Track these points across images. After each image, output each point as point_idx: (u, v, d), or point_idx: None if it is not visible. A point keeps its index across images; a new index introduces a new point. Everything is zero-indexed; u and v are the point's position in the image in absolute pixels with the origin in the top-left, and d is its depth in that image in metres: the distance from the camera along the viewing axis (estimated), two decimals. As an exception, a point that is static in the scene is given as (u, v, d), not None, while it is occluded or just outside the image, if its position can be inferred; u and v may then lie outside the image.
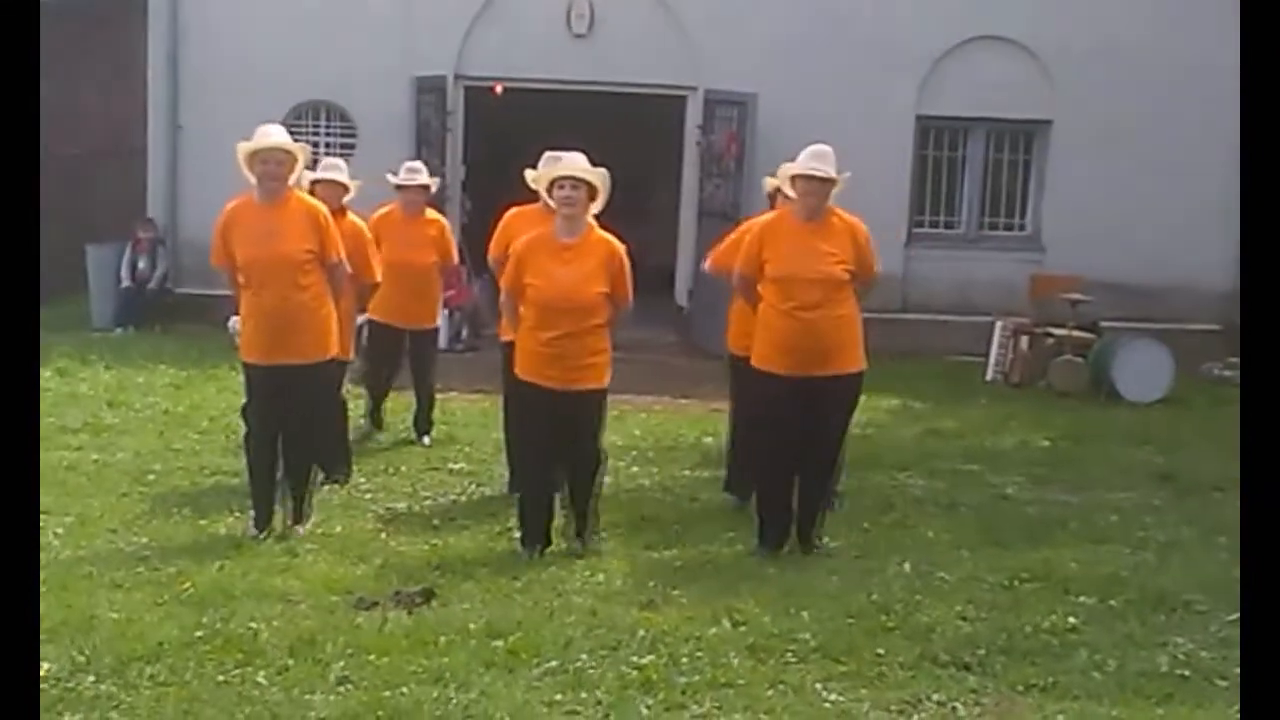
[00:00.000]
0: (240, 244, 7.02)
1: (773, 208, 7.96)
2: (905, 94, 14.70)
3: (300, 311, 7.03)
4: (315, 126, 14.66)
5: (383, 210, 9.38)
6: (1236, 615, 6.33)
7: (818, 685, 5.43)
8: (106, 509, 7.59)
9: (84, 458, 8.66)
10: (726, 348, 8.14)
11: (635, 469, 9.17)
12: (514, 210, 8.36)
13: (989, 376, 13.53)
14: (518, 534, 7.20)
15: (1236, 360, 14.32)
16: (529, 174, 7.24)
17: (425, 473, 8.87)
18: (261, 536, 7.15)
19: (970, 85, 14.71)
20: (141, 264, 14.34)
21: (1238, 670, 5.65)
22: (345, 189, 8.41)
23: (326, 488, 7.92)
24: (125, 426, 9.74)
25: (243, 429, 7.54)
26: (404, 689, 5.19)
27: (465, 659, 5.48)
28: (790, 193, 7.14)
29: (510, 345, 7.42)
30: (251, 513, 7.31)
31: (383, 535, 7.43)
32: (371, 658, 5.48)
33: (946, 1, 14.61)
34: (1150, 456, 10.21)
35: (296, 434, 7.23)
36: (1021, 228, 15.29)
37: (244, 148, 6.99)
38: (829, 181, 7.02)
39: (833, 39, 14.42)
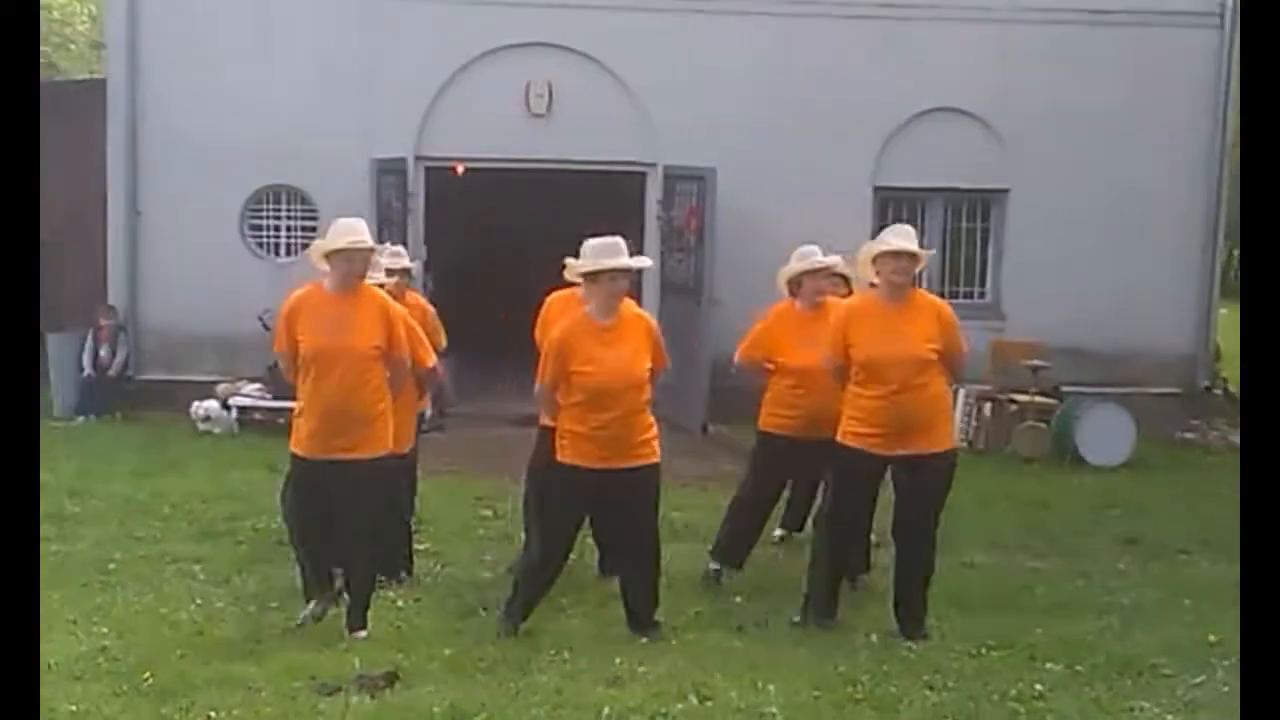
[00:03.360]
0: (307, 333, 6.84)
1: (792, 295, 8.05)
2: (863, 166, 14.85)
3: (360, 406, 6.85)
4: (276, 210, 14.73)
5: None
6: (1203, 678, 6.38)
7: (785, 760, 5.40)
8: (66, 600, 7.47)
9: (44, 549, 8.51)
10: (758, 425, 8.19)
11: (601, 545, 9.13)
12: (554, 295, 8.32)
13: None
14: (504, 616, 7.09)
15: (1198, 423, 14.49)
16: (575, 267, 7.16)
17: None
18: (316, 618, 7.02)
19: (927, 156, 14.89)
20: (103, 352, 14.28)
21: (1205, 733, 5.68)
22: (409, 273, 8.49)
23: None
24: (86, 516, 9.64)
25: (280, 516, 7.44)
26: (367, 775, 5.13)
27: (429, 743, 5.43)
28: (872, 277, 7.13)
29: (549, 430, 7.35)
30: (310, 605, 7.10)
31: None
32: (334, 744, 5.42)
33: (902, 74, 14.79)
34: (1115, 520, 10.25)
35: (357, 534, 6.98)
36: (982, 295, 15.41)
37: (325, 245, 6.88)
38: (915, 259, 7.00)
39: (789, 112, 14.58)
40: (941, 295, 15.06)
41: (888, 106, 14.81)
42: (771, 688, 6.09)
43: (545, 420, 7.58)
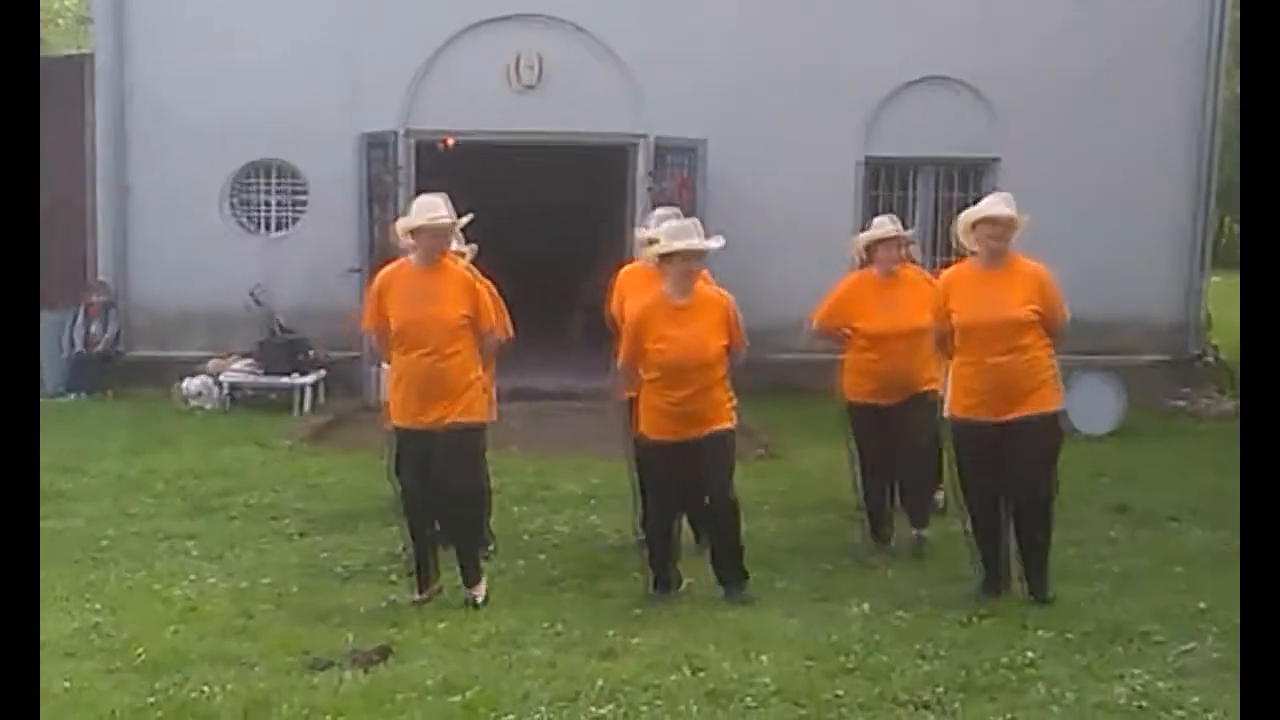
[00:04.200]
0: (396, 306, 7.07)
1: (862, 265, 8.43)
2: (853, 136, 14.82)
3: (450, 374, 7.04)
4: (265, 185, 14.68)
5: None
6: (1193, 645, 6.40)
7: (777, 729, 5.41)
8: (59, 577, 7.45)
9: (36, 525, 8.56)
10: (843, 395, 8.44)
11: (594, 518, 9.17)
12: (625, 269, 8.57)
13: (945, 412, 13.55)
14: (651, 582, 7.30)
15: (1188, 391, 14.52)
16: (651, 250, 7.36)
17: (382, 529, 8.79)
18: (426, 599, 7.15)
19: (917, 126, 14.85)
20: (93, 329, 14.25)
21: (1195, 699, 5.70)
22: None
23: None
24: (78, 493, 9.64)
25: (397, 489, 7.49)
26: (360, 749, 5.14)
27: (422, 716, 5.44)
28: (969, 244, 7.26)
29: (633, 401, 7.61)
30: (413, 578, 7.27)
31: (340, 594, 7.37)
32: (327, 718, 5.42)
33: (891, 43, 14.73)
34: (1105, 488, 10.26)
35: (459, 498, 7.21)
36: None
37: (409, 223, 7.08)
38: (1011, 225, 7.14)
39: (779, 83, 14.53)
40: (932, 265, 15.20)
41: (877, 76, 14.76)
42: (764, 658, 6.11)
43: (629, 393, 7.83)
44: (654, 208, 14.42)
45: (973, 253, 7.32)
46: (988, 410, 7.07)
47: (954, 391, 7.27)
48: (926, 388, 8.29)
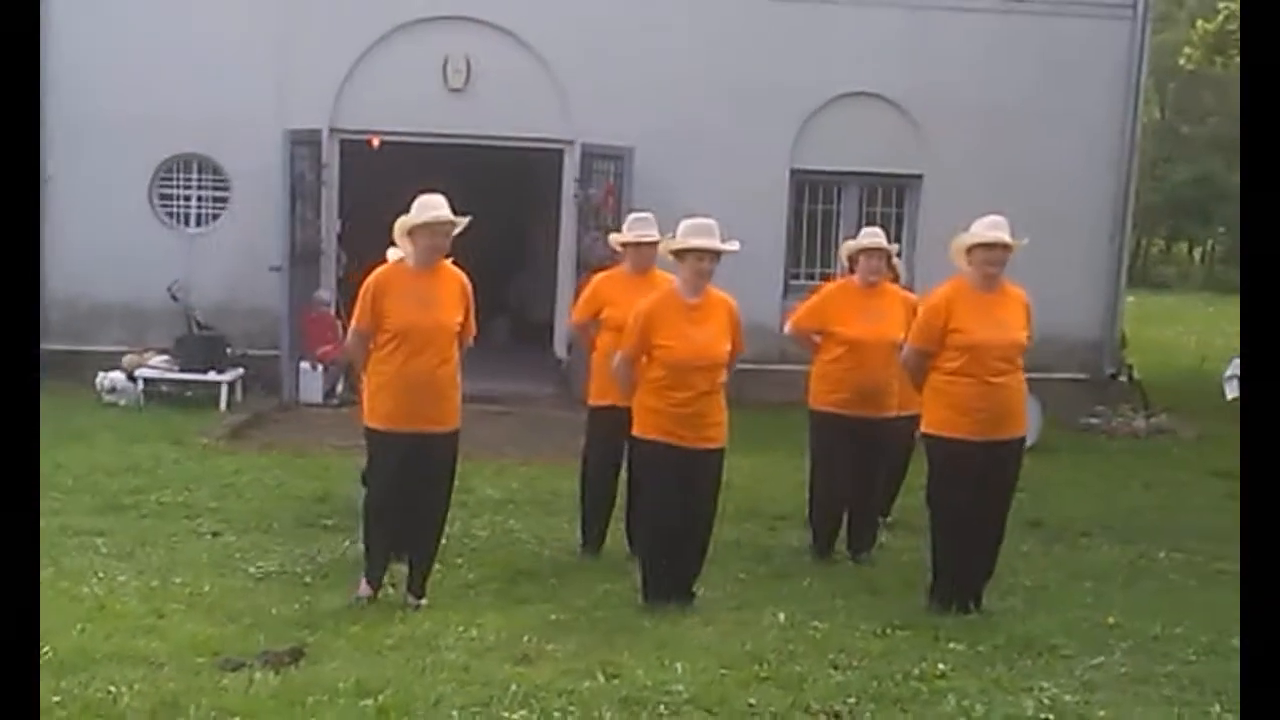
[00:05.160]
0: (396, 310, 6.93)
1: (851, 271, 8.55)
2: (780, 148, 14.92)
3: (445, 381, 7.03)
4: (187, 180, 14.50)
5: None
6: (1101, 659, 6.50)
7: (689, 737, 5.42)
8: (-37, 572, 7.32)
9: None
10: (809, 404, 8.51)
11: (512, 522, 9.14)
12: (601, 275, 8.51)
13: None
14: (643, 590, 7.27)
15: (1103, 409, 14.74)
16: (665, 244, 7.29)
17: (299, 530, 8.72)
18: (374, 600, 7.12)
19: (843, 140, 14.98)
20: (6, 320, 13.98)
21: (1101, 713, 5.78)
22: None
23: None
24: (-15, 487, 9.44)
25: (361, 493, 7.45)
26: (269, 751, 5.08)
27: (334, 719, 5.38)
28: (962, 267, 7.31)
29: (600, 410, 7.70)
30: (364, 577, 7.21)
31: (253, 594, 7.28)
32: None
33: (819, 58, 14.86)
34: (1020, 504, 10.29)
35: (430, 504, 7.17)
36: (895, 280, 15.49)
37: (408, 221, 6.94)
38: (1009, 249, 7.23)
39: (708, 94, 14.61)
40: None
41: (806, 90, 14.87)
42: (679, 666, 6.10)
43: (595, 400, 7.93)
44: (580, 214, 14.55)
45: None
46: (980, 429, 7.11)
47: (943, 410, 7.23)
48: (896, 412, 8.32)
